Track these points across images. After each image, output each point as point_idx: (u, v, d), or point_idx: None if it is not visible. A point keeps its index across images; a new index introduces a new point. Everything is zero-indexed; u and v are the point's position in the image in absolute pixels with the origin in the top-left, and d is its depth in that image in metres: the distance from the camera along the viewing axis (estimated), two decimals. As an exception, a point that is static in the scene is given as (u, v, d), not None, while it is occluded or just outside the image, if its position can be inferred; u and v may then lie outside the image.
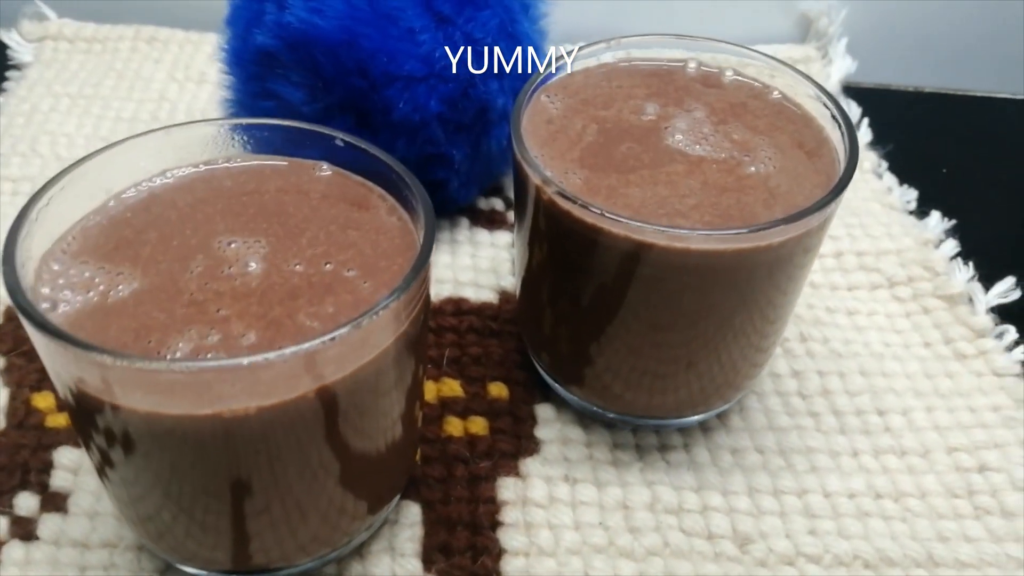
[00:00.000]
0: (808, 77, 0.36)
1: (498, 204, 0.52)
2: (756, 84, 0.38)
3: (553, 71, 0.37)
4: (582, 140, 0.35)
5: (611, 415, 0.39)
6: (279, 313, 0.28)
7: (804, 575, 0.35)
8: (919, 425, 0.41)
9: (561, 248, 0.33)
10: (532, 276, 0.37)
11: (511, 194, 0.52)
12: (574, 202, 0.31)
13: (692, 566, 0.35)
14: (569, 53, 0.38)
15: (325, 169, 0.34)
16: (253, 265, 0.30)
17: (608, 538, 0.36)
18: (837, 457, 0.40)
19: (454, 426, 0.40)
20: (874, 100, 0.62)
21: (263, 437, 0.27)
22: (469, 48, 0.43)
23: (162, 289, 0.29)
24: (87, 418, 0.27)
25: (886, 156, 0.57)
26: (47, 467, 0.37)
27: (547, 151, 0.34)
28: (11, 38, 0.60)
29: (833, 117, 0.35)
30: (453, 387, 0.41)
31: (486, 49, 0.43)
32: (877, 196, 0.54)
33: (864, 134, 0.58)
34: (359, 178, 0.33)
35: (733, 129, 0.35)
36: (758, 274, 0.32)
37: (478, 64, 0.43)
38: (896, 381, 0.43)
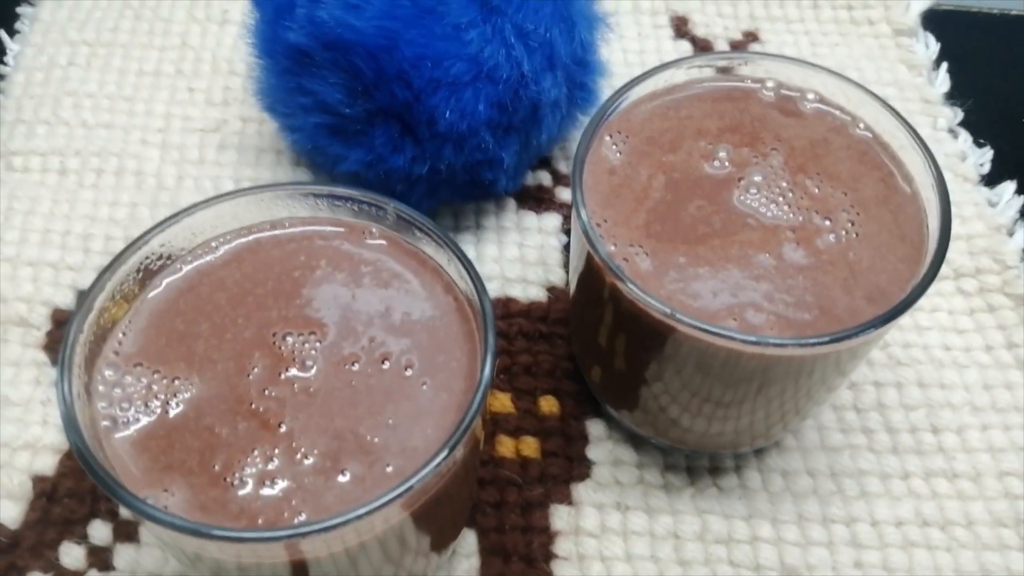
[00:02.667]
0: (898, 115, 0.33)
1: (545, 179, 0.49)
2: (840, 115, 0.35)
3: (616, 103, 0.34)
4: (648, 197, 0.32)
5: (662, 443, 0.39)
6: (340, 426, 0.28)
7: (848, 611, 0.36)
8: (973, 446, 0.41)
9: (620, 320, 0.32)
10: (585, 309, 0.36)
11: (559, 166, 0.50)
12: (641, 299, 0.29)
13: (739, 601, 0.36)
14: (632, 81, 0.34)
15: (376, 234, 0.32)
16: (311, 364, 0.29)
17: (658, 570, 0.37)
18: (888, 480, 0.40)
19: (506, 447, 0.40)
20: (955, 27, 0.56)
21: (335, 563, 0.27)
22: (520, 43, 0.39)
23: (221, 398, 0.28)
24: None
25: (965, 110, 0.52)
26: (115, 492, 0.38)
27: (610, 213, 0.32)
28: (17, -31, 0.56)
29: (925, 165, 0.32)
30: (504, 402, 0.41)
31: (539, 42, 0.39)
32: (950, 163, 0.50)
33: (942, 81, 0.54)
34: (411, 246, 0.32)
35: (812, 180, 0.33)
36: (832, 365, 0.30)
37: (531, 60, 0.39)
38: (954, 394, 0.42)
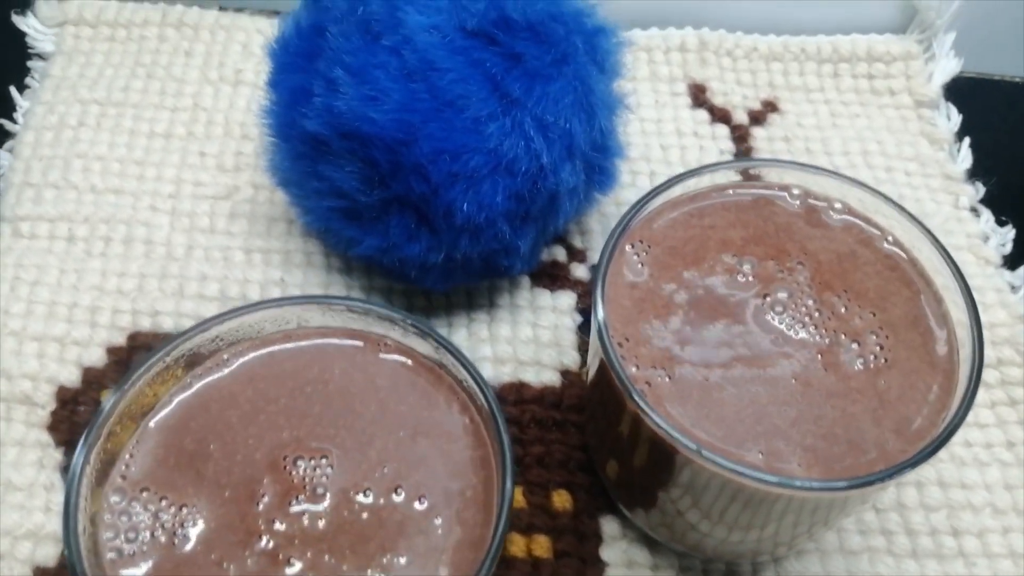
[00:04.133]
0: (927, 230, 0.32)
1: (560, 255, 0.48)
2: (867, 227, 0.34)
3: (637, 210, 0.33)
4: (671, 314, 0.31)
5: (678, 548, 0.38)
6: (351, 566, 0.27)
7: None
8: (993, 551, 0.40)
9: (640, 438, 0.31)
10: (602, 417, 0.35)
11: (574, 241, 0.49)
12: (662, 428, 0.28)
13: None
14: (655, 189, 0.33)
15: (391, 347, 0.31)
16: (321, 493, 0.28)
17: None
18: (907, 586, 0.39)
19: (517, 545, 0.39)
20: (977, 95, 0.56)
21: None
22: (539, 135, 0.38)
23: (230, 528, 0.27)
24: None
25: (987, 187, 0.52)
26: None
27: (632, 331, 0.31)
28: (29, 25, 0.55)
29: (956, 288, 0.31)
30: (516, 496, 0.40)
31: (558, 133, 0.39)
32: (971, 244, 0.50)
33: (964, 156, 0.53)
34: (427, 360, 0.31)
35: (839, 298, 0.32)
36: (859, 499, 0.29)
37: (550, 151, 0.38)
38: (975, 495, 0.41)
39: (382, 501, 0.28)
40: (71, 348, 0.44)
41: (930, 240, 0.32)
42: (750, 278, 0.32)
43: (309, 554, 0.27)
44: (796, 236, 0.33)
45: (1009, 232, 0.50)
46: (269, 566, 0.27)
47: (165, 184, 0.50)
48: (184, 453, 0.29)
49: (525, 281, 0.47)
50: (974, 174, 0.52)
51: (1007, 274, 0.49)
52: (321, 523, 0.28)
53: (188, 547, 0.27)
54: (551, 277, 0.47)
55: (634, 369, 0.30)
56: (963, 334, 0.31)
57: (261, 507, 0.28)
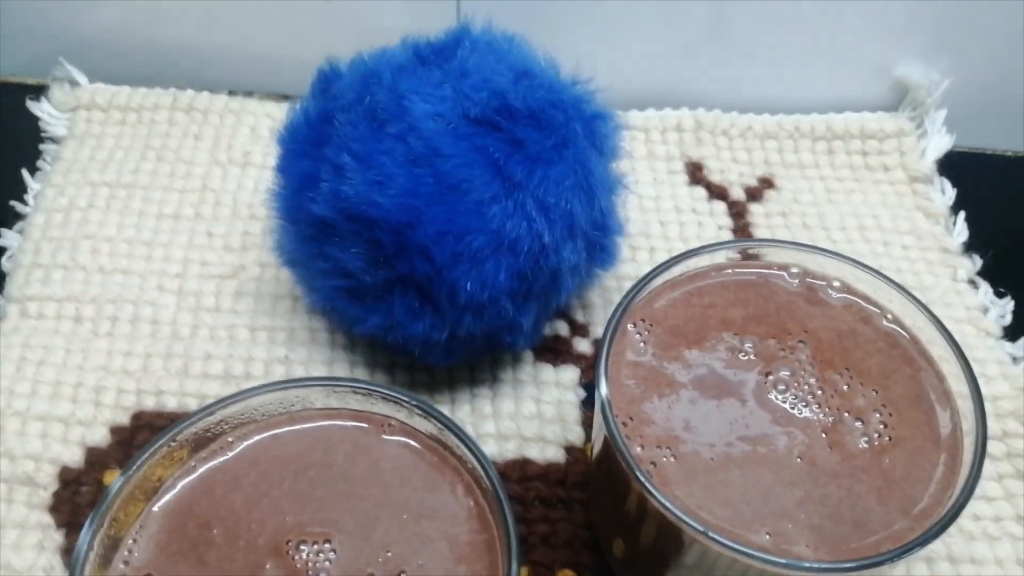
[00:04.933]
0: (925, 308, 0.33)
1: (563, 329, 0.49)
2: (866, 304, 0.34)
3: (638, 290, 0.34)
4: (674, 393, 0.32)
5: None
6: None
7: None
8: (1009, 631, 0.39)
9: (646, 519, 0.31)
10: (607, 496, 0.35)
11: (576, 316, 0.49)
12: (669, 511, 0.28)
13: None
14: (655, 269, 0.34)
15: (395, 428, 0.31)
16: (325, 579, 0.28)
17: None
18: (921, 669, 0.38)
19: (523, 629, 0.39)
20: (970, 169, 0.57)
21: None
22: (541, 215, 0.39)
23: (233, 619, 0.27)
24: None
25: (983, 259, 0.52)
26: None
27: (636, 411, 0.31)
28: (43, 109, 0.57)
29: (956, 364, 0.32)
30: (521, 576, 0.40)
31: (560, 214, 0.39)
32: (971, 316, 0.50)
33: (960, 230, 0.54)
34: (432, 441, 0.31)
35: (841, 376, 0.32)
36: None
37: (551, 231, 0.39)
38: (986, 569, 0.41)
39: (385, 588, 0.28)
40: (75, 428, 0.44)
41: (927, 315, 0.33)
42: (752, 356, 0.33)
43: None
44: (796, 315, 0.34)
45: (1008, 304, 0.51)
46: (272, 659, 0.26)
47: (172, 264, 0.51)
48: (187, 539, 0.29)
49: (528, 355, 0.47)
50: (970, 247, 0.53)
51: (1008, 345, 0.49)
52: (324, 613, 0.27)
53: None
54: (554, 352, 0.48)
55: (639, 449, 0.30)
56: (966, 408, 0.31)
57: (264, 595, 0.28)
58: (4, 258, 0.51)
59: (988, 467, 0.44)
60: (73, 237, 0.51)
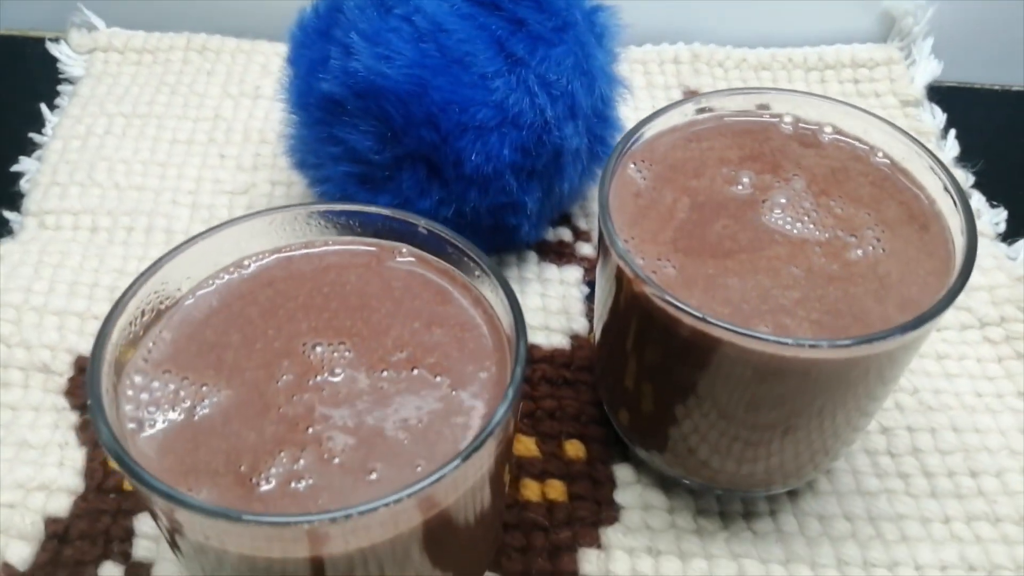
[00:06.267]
0: (915, 140, 0.34)
1: (566, 235, 0.50)
2: (858, 144, 0.35)
3: (638, 135, 0.35)
4: (673, 217, 0.33)
5: (693, 483, 0.38)
6: (369, 429, 0.27)
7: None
8: (1013, 488, 0.39)
9: (650, 335, 0.32)
10: (613, 342, 0.36)
11: (579, 223, 0.50)
12: (671, 304, 0.29)
13: (781, 650, 0.34)
14: (653, 114, 0.35)
15: (406, 254, 0.32)
16: (340, 372, 0.29)
17: (694, 617, 0.35)
18: (928, 524, 0.38)
19: (531, 490, 0.39)
20: (960, 101, 0.58)
21: (363, 564, 0.26)
22: (543, 91, 0.40)
23: (249, 403, 0.28)
24: (178, 541, 0.27)
25: (976, 173, 0.54)
26: (128, 535, 0.37)
27: (637, 232, 0.32)
28: (61, 51, 0.59)
29: (945, 189, 0.33)
30: (528, 446, 0.40)
31: (561, 91, 0.41)
32: (965, 220, 0.51)
33: (951, 147, 0.55)
34: (441, 263, 0.32)
35: (836, 202, 0.33)
36: (865, 374, 0.30)
37: (553, 107, 0.41)
38: (989, 438, 0.41)
39: (400, 376, 0.29)
40: (90, 322, 0.45)
41: (919, 150, 0.34)
42: (749, 187, 0.34)
43: (328, 422, 0.27)
44: (791, 155, 0.35)
45: (1001, 213, 0.52)
46: (287, 431, 0.27)
47: (186, 182, 0.52)
48: (205, 343, 0.30)
49: (532, 256, 0.49)
50: (961, 161, 0.54)
51: (1003, 246, 0.50)
52: (339, 396, 0.28)
53: (207, 419, 0.27)
54: (558, 254, 0.49)
55: (641, 261, 0.31)
56: (956, 225, 0.32)
57: (280, 384, 0.28)
58: (23, 181, 0.52)
59: (988, 350, 0.45)
60: (90, 159, 0.53)
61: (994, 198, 0.53)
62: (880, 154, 0.35)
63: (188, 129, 0.55)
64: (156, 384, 0.28)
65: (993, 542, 0.38)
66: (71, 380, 0.43)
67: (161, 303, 0.30)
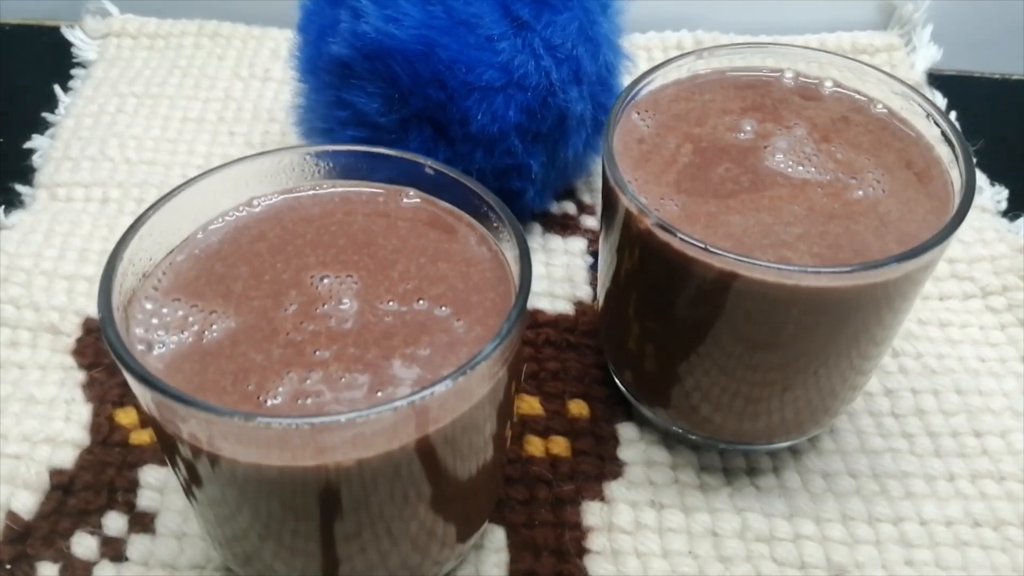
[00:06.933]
0: (915, 89, 0.34)
1: (571, 208, 0.50)
2: (858, 96, 0.36)
3: (642, 86, 0.36)
4: (677, 161, 0.33)
5: (698, 438, 0.38)
6: (375, 355, 0.28)
7: (903, 610, 0.34)
8: (1017, 448, 0.39)
9: (654, 275, 0.32)
10: (618, 294, 0.36)
11: (584, 197, 0.51)
12: (673, 234, 0.29)
13: (786, 599, 0.34)
14: (657, 66, 0.36)
15: (412, 196, 0.33)
16: (346, 302, 0.29)
17: (698, 568, 0.35)
18: (933, 482, 0.38)
19: (535, 446, 0.39)
20: (961, 89, 0.59)
21: (362, 482, 0.26)
22: (548, 55, 0.41)
23: (257, 328, 0.28)
24: (183, 462, 0.27)
25: (976, 152, 0.54)
26: (133, 486, 0.37)
27: (640, 174, 0.33)
28: (75, 36, 0.60)
29: (944, 135, 0.33)
30: (532, 404, 0.41)
31: (566, 55, 0.42)
32: (967, 196, 0.51)
33: (951, 128, 0.56)
34: (447, 205, 0.33)
35: (837, 148, 0.34)
36: (866, 308, 0.30)
37: (558, 70, 0.41)
38: (993, 400, 0.41)
39: (405, 307, 0.29)
40: (99, 286, 0.45)
41: (918, 97, 0.34)
42: (751, 134, 0.34)
43: (334, 347, 0.28)
44: (792, 106, 0.36)
45: (1003, 191, 0.52)
46: (295, 355, 0.27)
47: (196, 157, 0.53)
48: (214, 274, 0.30)
49: (537, 227, 0.49)
50: (963, 142, 0.55)
51: (1004, 221, 0.50)
52: (346, 324, 0.28)
53: (215, 342, 0.28)
54: (563, 226, 0.49)
55: (644, 199, 0.31)
56: (954, 169, 0.32)
57: (288, 312, 0.29)
58: (35, 156, 0.53)
59: (991, 319, 0.45)
60: (102, 136, 0.54)
61: (994, 179, 0.54)
62: (880, 105, 0.36)
63: (198, 108, 0.56)
64: (166, 310, 0.29)
65: (998, 499, 0.38)
66: (79, 341, 0.43)
67: (172, 234, 0.31)
